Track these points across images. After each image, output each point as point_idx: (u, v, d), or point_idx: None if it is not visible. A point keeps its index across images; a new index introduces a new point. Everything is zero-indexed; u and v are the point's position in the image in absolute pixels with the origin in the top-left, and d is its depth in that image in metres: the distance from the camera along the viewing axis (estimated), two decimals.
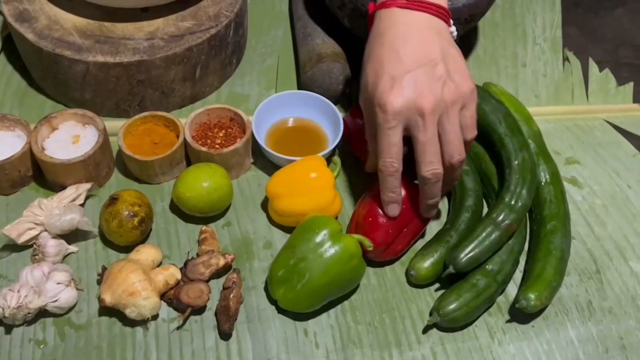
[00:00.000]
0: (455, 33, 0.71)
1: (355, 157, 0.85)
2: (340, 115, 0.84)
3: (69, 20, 0.84)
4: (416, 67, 0.65)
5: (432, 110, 0.64)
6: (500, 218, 0.73)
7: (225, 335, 0.70)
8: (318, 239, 0.69)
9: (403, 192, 0.73)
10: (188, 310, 0.68)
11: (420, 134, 0.65)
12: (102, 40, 0.82)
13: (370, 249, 0.70)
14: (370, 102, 0.68)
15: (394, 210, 0.72)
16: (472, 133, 0.68)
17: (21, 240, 0.72)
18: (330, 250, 0.68)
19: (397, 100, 0.64)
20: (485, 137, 0.82)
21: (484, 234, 0.72)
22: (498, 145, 0.80)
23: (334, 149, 0.82)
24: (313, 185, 0.75)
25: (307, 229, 0.70)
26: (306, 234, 0.69)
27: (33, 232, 0.73)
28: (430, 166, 0.67)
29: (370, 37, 0.70)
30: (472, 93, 0.67)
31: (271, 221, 0.79)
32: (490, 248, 0.72)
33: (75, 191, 0.76)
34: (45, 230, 0.73)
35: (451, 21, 0.70)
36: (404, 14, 0.67)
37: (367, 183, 0.83)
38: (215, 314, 0.71)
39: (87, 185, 0.77)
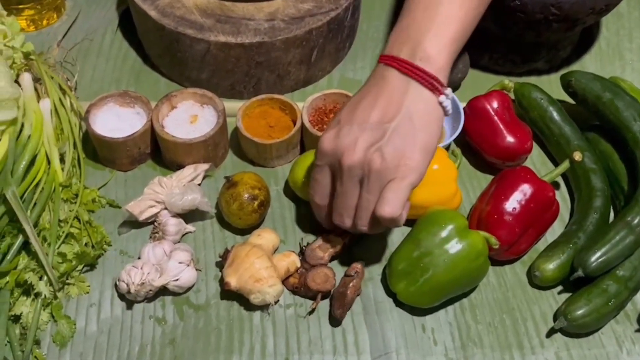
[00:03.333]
0: (446, 103, 0.65)
1: (472, 149, 0.82)
2: (460, 105, 0.81)
3: None
4: (362, 122, 0.64)
5: (350, 167, 0.63)
6: (636, 221, 0.69)
7: (335, 321, 0.69)
8: (444, 233, 0.67)
9: (529, 190, 0.71)
10: (318, 297, 0.68)
11: (337, 184, 0.66)
12: (223, 20, 0.81)
13: (496, 247, 0.68)
14: None
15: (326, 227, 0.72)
16: (385, 210, 0.62)
17: (142, 217, 0.73)
18: (456, 246, 0.66)
19: (327, 143, 0.65)
20: (617, 135, 0.77)
21: (617, 238, 0.68)
22: (632, 144, 0.75)
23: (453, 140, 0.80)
24: (435, 177, 0.73)
25: (433, 223, 0.68)
26: (431, 227, 0.67)
27: (154, 210, 0.73)
28: (339, 217, 0.67)
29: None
30: (409, 170, 0.62)
31: None
32: (623, 253, 0.69)
33: (194, 171, 0.76)
34: (166, 208, 0.74)
35: (447, 90, 0.65)
36: (390, 72, 0.65)
37: (487, 177, 0.81)
38: (330, 298, 0.70)
39: (205, 166, 0.77)
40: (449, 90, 0.65)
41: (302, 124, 0.78)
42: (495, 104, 0.79)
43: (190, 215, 0.75)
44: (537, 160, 0.84)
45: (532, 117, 0.83)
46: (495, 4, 0.80)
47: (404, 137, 0.63)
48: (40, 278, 0.67)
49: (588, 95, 0.80)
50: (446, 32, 0.65)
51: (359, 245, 0.74)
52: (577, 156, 0.76)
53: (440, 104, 0.65)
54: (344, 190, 0.65)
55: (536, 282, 0.71)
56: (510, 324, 0.69)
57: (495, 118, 0.78)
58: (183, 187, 0.74)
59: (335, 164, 0.65)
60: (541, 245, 0.75)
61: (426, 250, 0.67)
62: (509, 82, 0.83)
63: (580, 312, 0.66)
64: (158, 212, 0.74)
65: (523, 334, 0.69)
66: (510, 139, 0.78)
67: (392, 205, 0.62)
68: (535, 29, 0.82)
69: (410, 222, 0.74)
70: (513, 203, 0.71)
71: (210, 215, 0.76)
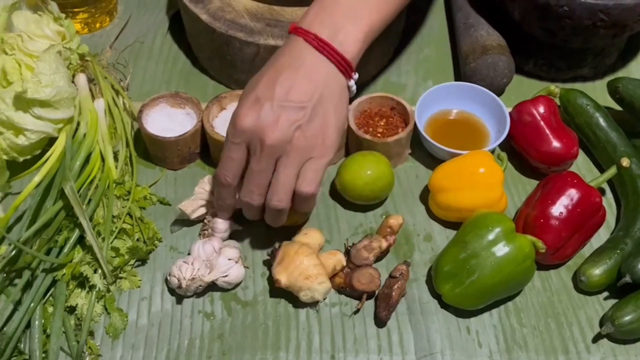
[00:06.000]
0: (353, 87, 0.69)
1: (517, 154, 0.82)
2: (506, 110, 0.81)
3: (240, 2, 0.86)
4: (283, 101, 0.64)
5: (271, 145, 0.64)
6: None
7: (380, 322, 0.69)
8: (491, 236, 0.67)
9: (576, 195, 0.71)
10: (364, 297, 0.69)
11: (253, 161, 0.65)
12: (272, 24, 0.83)
13: (543, 251, 0.68)
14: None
15: (222, 215, 0.73)
16: (307, 188, 0.65)
17: (194, 216, 0.75)
18: (503, 249, 0.66)
19: (247, 120, 0.64)
20: None
21: None
22: None
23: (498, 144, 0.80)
24: (481, 180, 0.74)
25: (480, 225, 0.68)
26: (478, 230, 0.68)
27: (204, 210, 0.75)
28: (248, 195, 0.67)
29: (273, 54, 0.69)
30: (326, 149, 0.65)
31: (430, 214, 0.78)
32: None
33: None
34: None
35: (354, 75, 0.68)
36: (307, 49, 0.66)
37: (531, 182, 0.81)
38: (375, 299, 0.71)
39: None
40: (356, 75, 0.69)
41: (348, 127, 0.79)
42: (541, 109, 0.79)
43: (236, 210, 0.77)
44: (582, 166, 0.84)
45: (578, 123, 0.83)
46: (542, 10, 0.81)
47: (322, 117, 0.65)
48: (95, 271, 0.70)
49: (636, 102, 0.80)
50: (367, 22, 0.69)
51: (404, 246, 0.75)
52: (625, 162, 0.75)
53: (349, 87, 0.69)
54: (260, 168, 0.65)
55: (582, 287, 0.71)
56: (555, 328, 0.69)
57: (542, 123, 0.79)
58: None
59: (253, 141, 0.65)
60: (586, 250, 0.74)
61: (473, 253, 0.67)
62: (555, 87, 0.83)
63: (627, 318, 0.66)
64: (208, 212, 0.75)
65: (568, 339, 0.69)
66: (556, 144, 0.78)
67: (312, 183, 0.65)
68: (583, 35, 0.82)
69: (456, 225, 0.75)
70: (560, 208, 0.71)
71: None
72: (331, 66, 0.67)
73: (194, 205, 0.74)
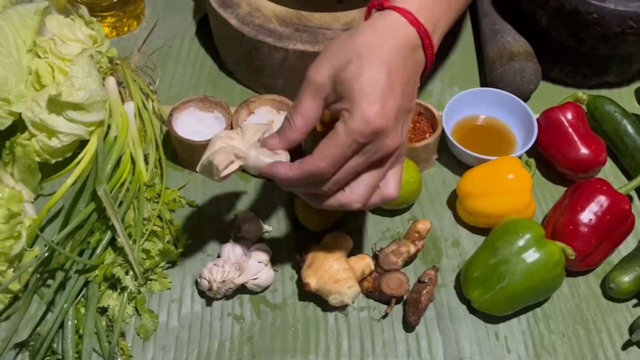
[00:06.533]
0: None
1: (544, 160, 0.82)
2: (534, 116, 0.81)
3: (269, 7, 0.86)
4: (405, 104, 0.59)
5: (392, 150, 0.59)
6: None
7: (409, 326, 0.70)
8: (521, 242, 0.67)
9: (606, 202, 0.71)
10: (392, 302, 0.69)
11: (360, 155, 0.58)
12: (301, 29, 0.84)
13: (572, 257, 0.68)
14: (341, 84, 0.58)
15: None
16: (393, 193, 0.62)
17: (224, 173, 0.60)
18: (534, 255, 0.67)
19: (381, 120, 0.57)
20: None
21: None
22: None
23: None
24: (510, 186, 0.74)
25: (510, 232, 0.68)
26: (508, 236, 0.68)
27: (235, 166, 0.61)
28: (334, 185, 0.59)
29: (364, 30, 0.60)
30: (403, 155, 0.62)
31: (457, 219, 0.79)
32: None
33: (255, 131, 0.66)
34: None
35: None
36: (418, 48, 0.61)
37: (559, 188, 0.81)
38: (404, 304, 0.71)
39: (264, 127, 0.72)
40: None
41: None
42: (569, 116, 0.79)
43: (266, 215, 0.78)
44: (609, 173, 0.83)
45: (605, 129, 0.83)
46: (571, 17, 0.81)
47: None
48: (126, 273, 0.70)
49: None
50: (448, 24, 0.65)
51: (432, 251, 0.75)
52: None
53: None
54: (360, 164, 0.59)
55: (611, 294, 0.71)
56: (584, 335, 0.70)
57: (570, 129, 0.79)
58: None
59: (373, 139, 0.58)
60: (615, 257, 0.74)
61: (503, 259, 0.67)
62: (582, 94, 0.83)
63: None
64: (237, 169, 0.61)
65: (598, 346, 0.69)
66: (584, 150, 0.78)
67: (397, 190, 0.62)
68: (611, 42, 0.82)
69: (483, 231, 0.75)
70: (589, 214, 0.71)
71: (285, 217, 0.78)
72: (422, 66, 0.62)
73: (226, 159, 0.60)
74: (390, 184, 0.62)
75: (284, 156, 0.62)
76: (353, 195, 0.61)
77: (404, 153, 0.62)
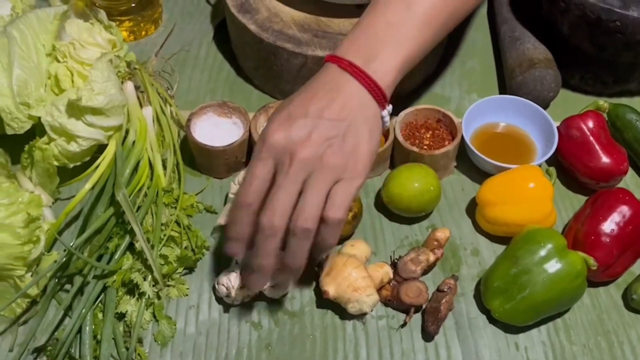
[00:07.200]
0: (387, 119, 0.66)
1: (564, 169, 0.82)
2: (554, 124, 0.81)
3: (288, 13, 0.86)
4: (316, 117, 0.61)
5: (302, 160, 0.59)
6: None
7: (428, 335, 0.69)
8: (543, 252, 0.67)
9: (628, 212, 0.70)
10: (412, 310, 0.68)
11: (280, 177, 0.60)
12: (320, 35, 0.84)
13: (594, 268, 0.67)
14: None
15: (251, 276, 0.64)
16: (335, 213, 0.59)
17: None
18: (556, 265, 0.66)
19: (278, 135, 0.60)
20: None
21: None
22: None
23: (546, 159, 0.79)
24: (531, 195, 0.73)
25: (531, 241, 0.68)
26: (530, 246, 0.67)
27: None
28: (269, 215, 0.59)
29: (307, 81, 0.66)
30: (358, 172, 0.61)
31: (477, 227, 0.78)
32: None
33: None
34: None
35: (388, 106, 0.65)
36: (343, 76, 0.63)
37: (579, 197, 0.80)
38: (423, 312, 0.70)
39: None
40: (390, 107, 0.66)
41: (395, 138, 0.79)
42: (590, 124, 0.78)
43: None
44: (630, 182, 0.83)
45: (627, 138, 0.82)
46: (593, 25, 0.80)
47: (356, 138, 0.62)
48: (145, 278, 0.70)
49: None
50: (404, 50, 0.66)
51: (450, 260, 0.75)
52: None
53: (382, 117, 0.65)
54: (285, 185, 0.59)
55: (633, 305, 0.70)
56: (606, 347, 0.69)
57: (591, 138, 0.78)
58: None
59: (282, 157, 0.60)
60: (637, 268, 0.74)
61: (524, 269, 0.67)
62: (603, 102, 0.83)
63: None
64: None
65: (620, 358, 0.68)
66: (605, 159, 0.77)
67: (341, 208, 0.59)
68: (634, 49, 0.81)
69: (503, 240, 0.75)
70: (611, 224, 0.70)
71: None
72: (365, 93, 0.63)
73: None
74: (332, 202, 0.59)
75: None
76: (298, 216, 0.59)
77: (338, 167, 0.60)
